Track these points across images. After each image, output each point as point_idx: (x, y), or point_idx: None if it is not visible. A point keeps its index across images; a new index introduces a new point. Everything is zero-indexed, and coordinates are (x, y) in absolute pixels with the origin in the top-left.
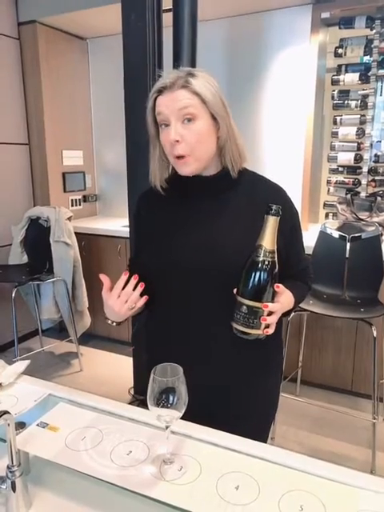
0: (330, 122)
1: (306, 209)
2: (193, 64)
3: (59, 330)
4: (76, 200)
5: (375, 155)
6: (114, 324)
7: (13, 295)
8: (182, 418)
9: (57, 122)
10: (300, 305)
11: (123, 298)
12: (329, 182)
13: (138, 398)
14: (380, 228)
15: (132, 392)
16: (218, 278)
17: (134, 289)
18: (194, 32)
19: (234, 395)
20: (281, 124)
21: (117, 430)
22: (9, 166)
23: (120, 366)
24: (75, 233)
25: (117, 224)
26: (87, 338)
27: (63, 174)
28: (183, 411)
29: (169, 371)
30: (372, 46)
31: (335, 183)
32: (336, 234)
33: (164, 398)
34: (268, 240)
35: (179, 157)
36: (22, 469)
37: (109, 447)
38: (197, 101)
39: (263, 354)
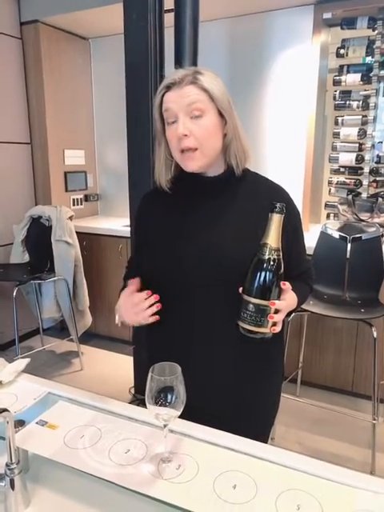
0: (332, 123)
1: (307, 209)
2: (194, 65)
3: (60, 329)
4: (77, 199)
5: (377, 156)
6: (119, 324)
7: (14, 294)
8: (184, 417)
9: (59, 122)
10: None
11: (135, 310)
12: (330, 183)
13: (139, 397)
14: (381, 229)
15: (132, 391)
16: (222, 278)
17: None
18: (195, 32)
19: (237, 395)
20: (282, 124)
21: (115, 428)
22: (11, 165)
23: (121, 366)
24: (76, 232)
25: (118, 224)
26: (88, 337)
27: (65, 174)
28: (181, 410)
29: (167, 370)
30: (374, 46)
31: (336, 184)
32: (337, 235)
33: (162, 397)
34: (273, 238)
35: (185, 151)
36: (20, 467)
37: (107, 445)
38: (205, 97)
39: (265, 353)
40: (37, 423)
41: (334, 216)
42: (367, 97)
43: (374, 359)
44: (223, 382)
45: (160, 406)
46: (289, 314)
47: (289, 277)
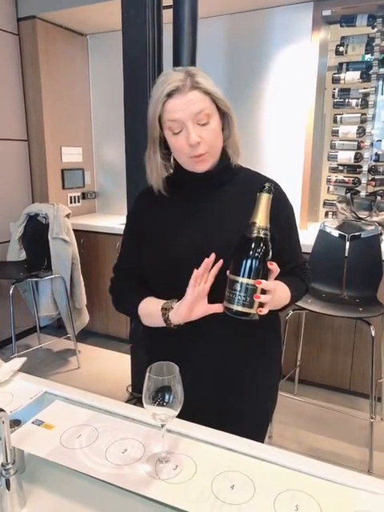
0: (331, 121)
1: (305, 207)
2: (193, 61)
3: (57, 327)
4: (75, 197)
5: (375, 154)
6: (172, 325)
7: (11, 292)
8: (182, 416)
9: (56, 119)
10: (298, 303)
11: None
12: (329, 181)
13: (136, 395)
14: (379, 227)
15: (130, 390)
16: (220, 273)
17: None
18: (194, 29)
19: (235, 393)
20: (281, 122)
21: (112, 428)
22: (7, 162)
23: (118, 364)
24: (74, 230)
25: (115, 221)
26: (85, 335)
27: (62, 171)
28: (179, 410)
29: (165, 369)
30: (373, 44)
31: (335, 182)
32: (335, 233)
33: (160, 397)
34: (261, 217)
35: (197, 156)
36: (16, 467)
37: (104, 445)
38: (208, 100)
39: (264, 351)
40: (33, 423)
41: (333, 214)
42: (366, 95)
43: (371, 358)
44: (222, 381)
45: (157, 405)
46: (284, 309)
47: (282, 271)
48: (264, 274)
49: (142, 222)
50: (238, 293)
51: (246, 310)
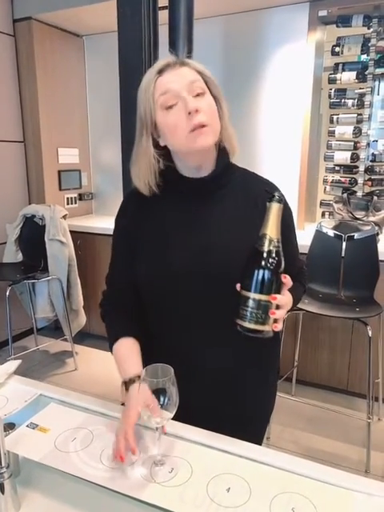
0: (327, 121)
1: (302, 208)
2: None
3: (54, 329)
4: (71, 198)
5: (372, 154)
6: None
7: (7, 294)
8: (180, 419)
9: (52, 120)
10: None
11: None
12: (325, 181)
13: None
14: (376, 227)
15: None
16: (219, 279)
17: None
18: (190, 29)
19: (233, 396)
20: (277, 122)
21: (108, 430)
22: (4, 163)
23: (115, 366)
24: (70, 231)
25: (112, 223)
26: (82, 337)
27: (59, 172)
28: (174, 412)
29: (159, 372)
30: (369, 44)
31: (332, 182)
32: (332, 233)
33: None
34: (272, 228)
35: (197, 128)
36: (11, 470)
37: (99, 448)
38: (200, 79)
39: (262, 353)
40: (27, 426)
41: (329, 214)
42: (362, 95)
43: (368, 358)
44: (220, 385)
45: None
46: None
47: None
48: (277, 288)
49: (134, 231)
50: (251, 310)
51: (259, 327)
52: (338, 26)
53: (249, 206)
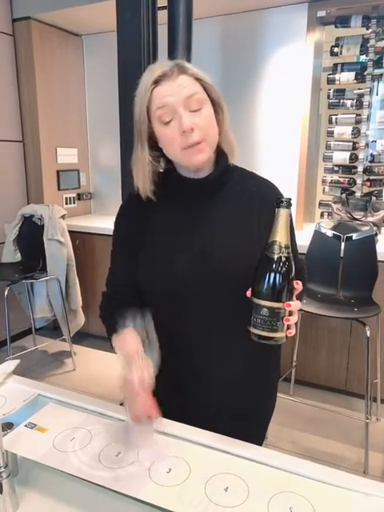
0: (326, 121)
1: (301, 208)
2: (188, 62)
3: (53, 329)
4: (70, 198)
5: (371, 155)
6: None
7: (5, 293)
8: (185, 420)
9: (51, 120)
10: None
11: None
12: (324, 182)
13: None
14: (375, 228)
15: None
16: (220, 282)
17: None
18: (189, 30)
19: (236, 397)
20: (276, 123)
21: (106, 430)
22: (2, 163)
23: (114, 366)
24: (69, 231)
25: (111, 222)
26: (81, 337)
27: (57, 172)
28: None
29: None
30: (368, 45)
31: (330, 182)
32: (330, 234)
33: None
34: (282, 234)
35: (192, 145)
36: (9, 470)
37: (97, 448)
38: (199, 87)
39: (264, 355)
40: (26, 426)
41: (328, 215)
42: (361, 95)
43: (367, 358)
44: (222, 386)
45: None
46: None
47: None
48: (290, 294)
49: (134, 233)
50: (265, 317)
51: (273, 334)
52: (336, 27)
53: (248, 207)
